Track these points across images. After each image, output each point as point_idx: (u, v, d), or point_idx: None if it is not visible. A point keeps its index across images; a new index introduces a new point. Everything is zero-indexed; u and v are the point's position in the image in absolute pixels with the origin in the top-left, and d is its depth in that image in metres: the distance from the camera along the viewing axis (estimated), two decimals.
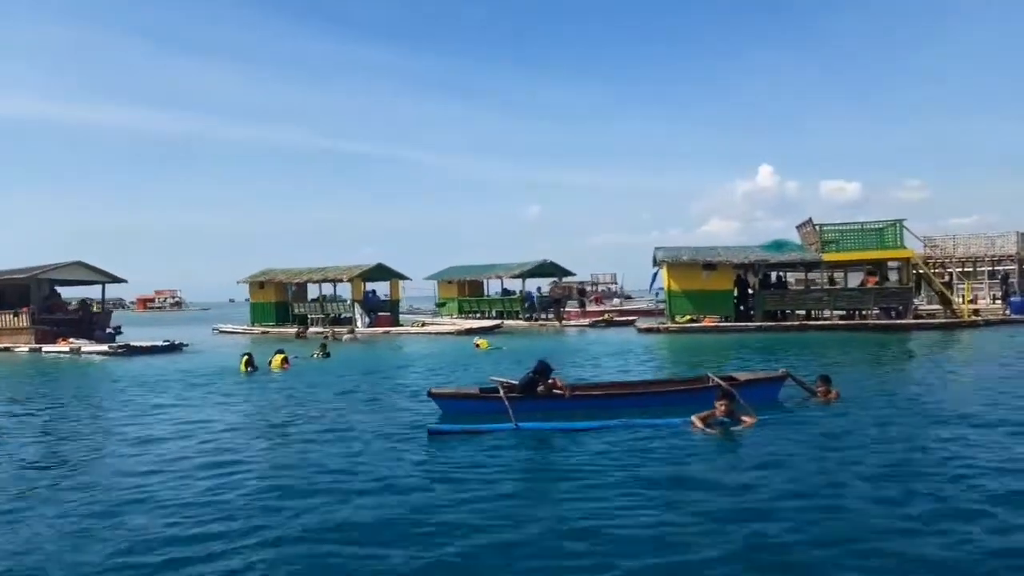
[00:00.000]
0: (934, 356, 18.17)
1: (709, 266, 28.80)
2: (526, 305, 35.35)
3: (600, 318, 33.41)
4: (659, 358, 19.25)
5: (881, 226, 28.60)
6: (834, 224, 28.96)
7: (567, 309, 38.49)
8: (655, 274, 30.57)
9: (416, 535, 5.36)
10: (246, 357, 17.25)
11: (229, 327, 36.27)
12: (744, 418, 8.98)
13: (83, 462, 8.17)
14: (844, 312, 29.07)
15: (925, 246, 39.87)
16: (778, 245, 29.25)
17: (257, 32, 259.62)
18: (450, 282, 40.05)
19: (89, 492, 6.78)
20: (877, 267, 29.96)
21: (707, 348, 21.55)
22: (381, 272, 33.70)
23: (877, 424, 8.94)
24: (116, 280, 28.34)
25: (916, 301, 33.12)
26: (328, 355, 19.85)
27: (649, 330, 28.27)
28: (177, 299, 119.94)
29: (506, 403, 9.40)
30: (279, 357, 17.55)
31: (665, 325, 28.49)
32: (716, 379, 10.43)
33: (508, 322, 34.24)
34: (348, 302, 33.09)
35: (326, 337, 26.99)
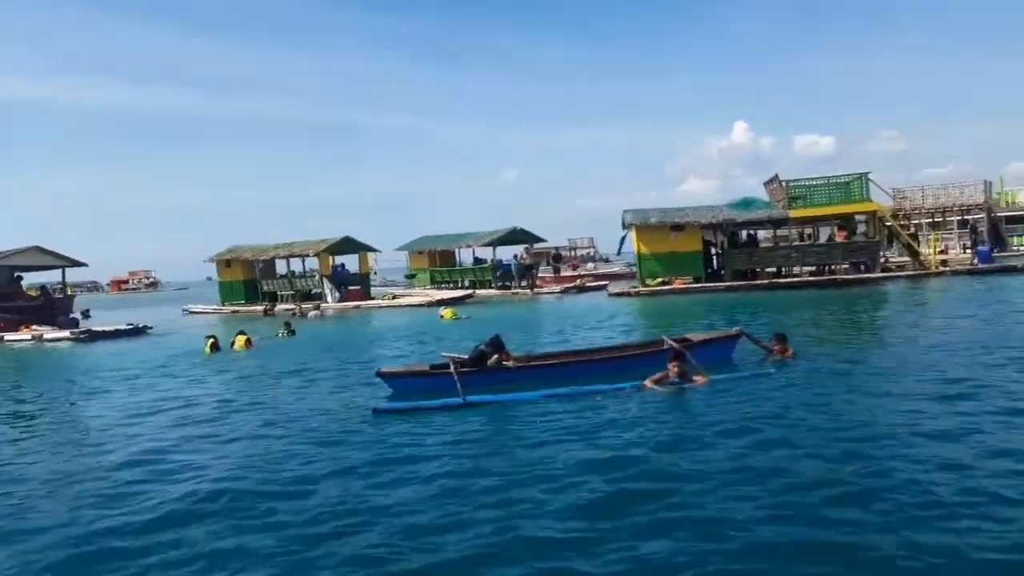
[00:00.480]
0: (895, 309, 18.31)
1: (677, 227, 28.70)
2: (498, 273, 35.12)
3: (572, 284, 33.28)
4: (627, 323, 19.17)
5: (847, 180, 28.57)
6: (801, 179, 28.89)
7: (542, 275, 38.41)
8: (623, 237, 30.44)
9: (344, 519, 5.25)
10: (211, 340, 17.03)
11: (199, 308, 35.79)
12: (696, 378, 8.98)
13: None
14: (814, 268, 29.25)
15: (894, 198, 40.09)
16: (746, 203, 29.17)
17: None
18: (421, 252, 39.67)
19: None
20: (845, 221, 30.02)
21: (677, 310, 21.57)
22: (348, 245, 33.22)
23: (825, 382, 8.92)
24: (76, 264, 27.75)
25: (888, 253, 33.35)
26: (293, 333, 19.61)
27: (620, 294, 28.21)
28: (152, 279, 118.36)
29: (455, 378, 9.26)
30: (242, 339, 17.31)
31: (636, 289, 28.45)
32: (670, 342, 10.34)
33: (480, 291, 34.06)
34: (317, 277, 32.69)
35: (293, 314, 26.69)
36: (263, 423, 8.78)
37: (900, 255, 33.47)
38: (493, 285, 34.75)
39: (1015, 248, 39.59)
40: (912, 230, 30.45)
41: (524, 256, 36.38)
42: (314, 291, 32.78)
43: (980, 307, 16.57)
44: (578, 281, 35.32)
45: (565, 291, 31.88)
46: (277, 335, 19.39)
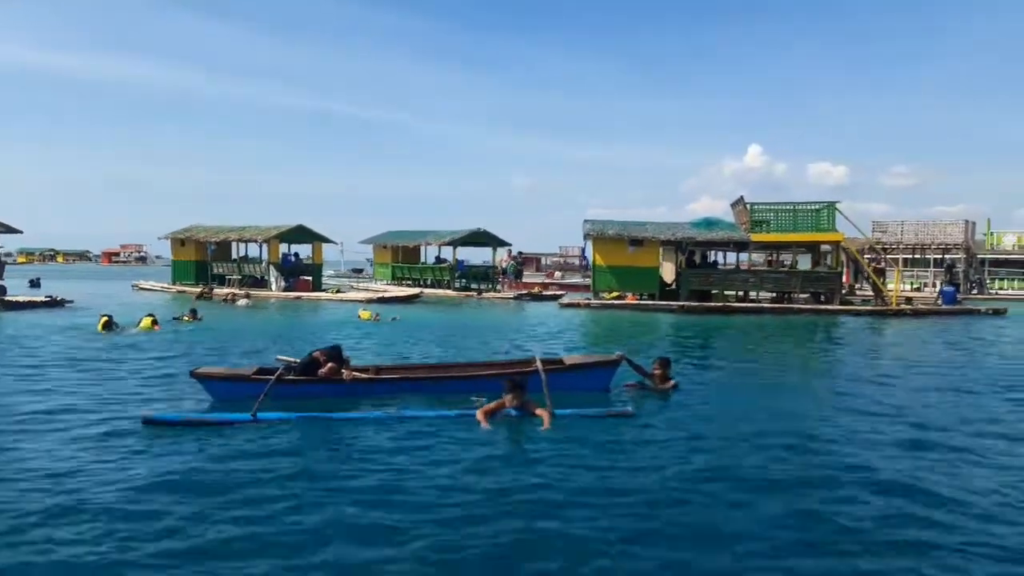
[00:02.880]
0: (830, 344, 17.34)
1: (635, 242, 27.76)
2: (456, 274, 34.20)
3: (527, 291, 32.25)
4: (552, 335, 18.09)
5: (817, 208, 27.60)
6: (766, 203, 27.93)
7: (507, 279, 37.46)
8: (583, 249, 29.50)
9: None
10: (104, 319, 16.50)
11: (148, 284, 34.97)
12: (538, 411, 7.83)
13: None
14: (775, 294, 28.28)
15: (874, 231, 39.16)
16: (708, 223, 28.22)
17: None
18: (385, 247, 38.72)
19: None
20: (810, 250, 29.12)
21: (617, 326, 20.74)
22: (302, 234, 32.31)
23: (691, 429, 7.61)
24: (10, 230, 26.83)
25: (863, 285, 32.23)
26: (199, 319, 18.68)
27: (570, 305, 27.28)
28: (143, 254, 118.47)
29: (266, 387, 8.17)
30: (147, 320, 16.95)
31: (586, 301, 27.50)
32: (538, 363, 9.14)
33: (436, 291, 33.13)
34: (264, 264, 31.71)
35: (225, 300, 25.78)
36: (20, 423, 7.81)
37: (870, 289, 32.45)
38: (451, 285, 33.81)
39: (993, 292, 38.53)
40: (880, 265, 29.33)
41: (505, 258, 35.57)
42: (265, 277, 31.85)
43: (915, 350, 15.61)
44: (536, 288, 34.41)
45: (519, 297, 30.89)
46: (181, 319, 18.49)
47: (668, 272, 29.55)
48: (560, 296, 31.39)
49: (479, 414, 7.69)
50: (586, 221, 28.96)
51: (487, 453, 6.63)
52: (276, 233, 31.02)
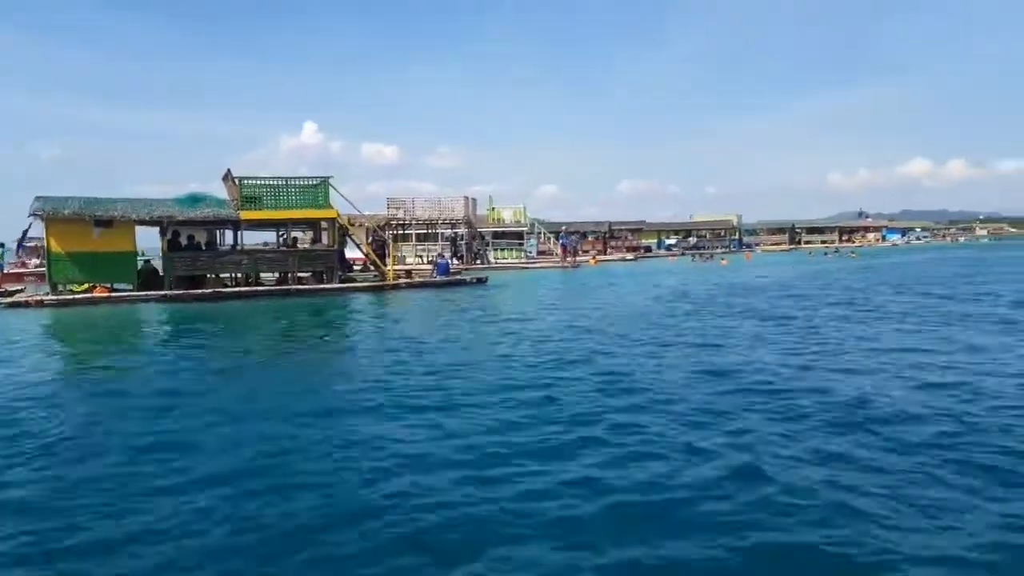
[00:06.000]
0: (282, 325, 16.09)
1: (103, 222, 23.39)
2: None
3: None
4: None
5: (314, 183, 26.53)
6: (258, 178, 25.89)
7: None
8: (26, 230, 24.03)
9: None
10: None
11: None
12: None
13: None
14: (279, 276, 26.65)
15: (389, 208, 40.45)
16: (193, 199, 25.17)
17: None
18: None
19: None
20: (312, 228, 28.19)
21: (75, 329, 16.87)
22: None
23: None
24: None
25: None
26: None
27: (17, 305, 21.88)
28: None
29: None
30: None
31: (38, 297, 22.39)
32: None
33: None
34: None
35: None
36: None
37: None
38: None
39: (494, 262, 42.99)
40: (370, 241, 29.67)
41: None
42: None
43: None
44: None
45: None
46: None
47: None
48: (20, 291, 25.38)
49: None
50: (37, 198, 23.52)
51: None
52: None
